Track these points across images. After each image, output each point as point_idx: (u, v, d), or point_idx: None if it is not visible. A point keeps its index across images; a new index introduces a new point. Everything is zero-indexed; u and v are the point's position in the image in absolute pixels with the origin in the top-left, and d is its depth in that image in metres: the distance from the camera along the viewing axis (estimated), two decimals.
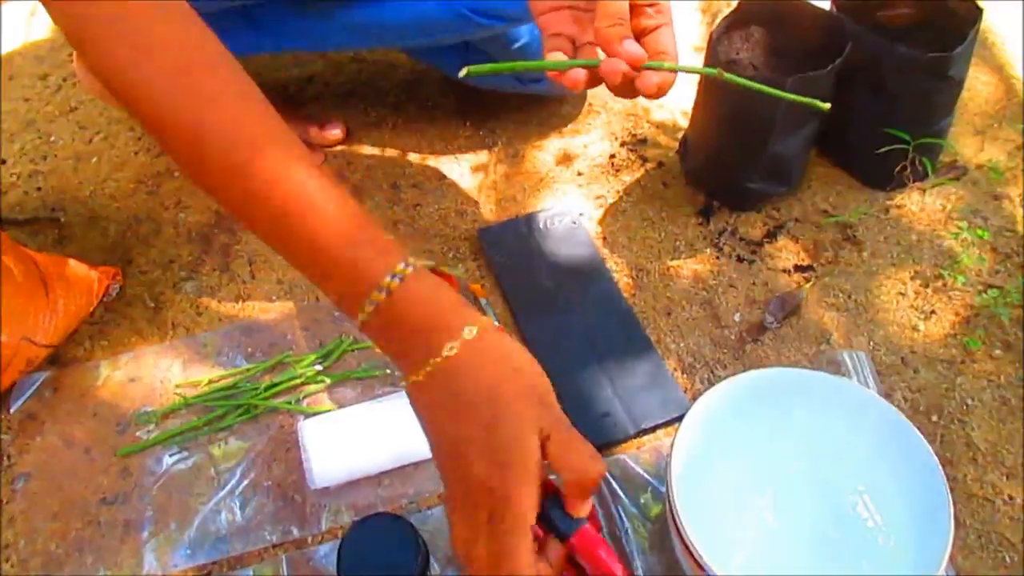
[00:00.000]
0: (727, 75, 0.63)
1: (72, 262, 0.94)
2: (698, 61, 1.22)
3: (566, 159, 1.09)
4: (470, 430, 0.52)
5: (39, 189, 1.09)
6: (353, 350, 0.90)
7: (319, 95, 1.19)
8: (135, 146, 1.13)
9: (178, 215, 1.05)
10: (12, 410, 0.86)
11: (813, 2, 0.97)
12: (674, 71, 0.63)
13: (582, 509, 0.55)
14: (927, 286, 0.95)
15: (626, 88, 0.63)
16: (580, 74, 0.62)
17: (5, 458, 0.83)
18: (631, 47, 0.61)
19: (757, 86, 0.66)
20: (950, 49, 0.92)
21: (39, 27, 1.35)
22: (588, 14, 0.66)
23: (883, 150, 0.97)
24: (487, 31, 0.94)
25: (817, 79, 0.89)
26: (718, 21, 1.25)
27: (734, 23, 0.95)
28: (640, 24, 0.64)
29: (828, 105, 0.62)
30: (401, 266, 0.52)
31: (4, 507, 0.80)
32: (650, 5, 0.65)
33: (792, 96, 0.65)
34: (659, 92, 0.62)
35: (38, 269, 0.90)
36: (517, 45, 0.98)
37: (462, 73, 0.59)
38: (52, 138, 1.16)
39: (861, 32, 0.93)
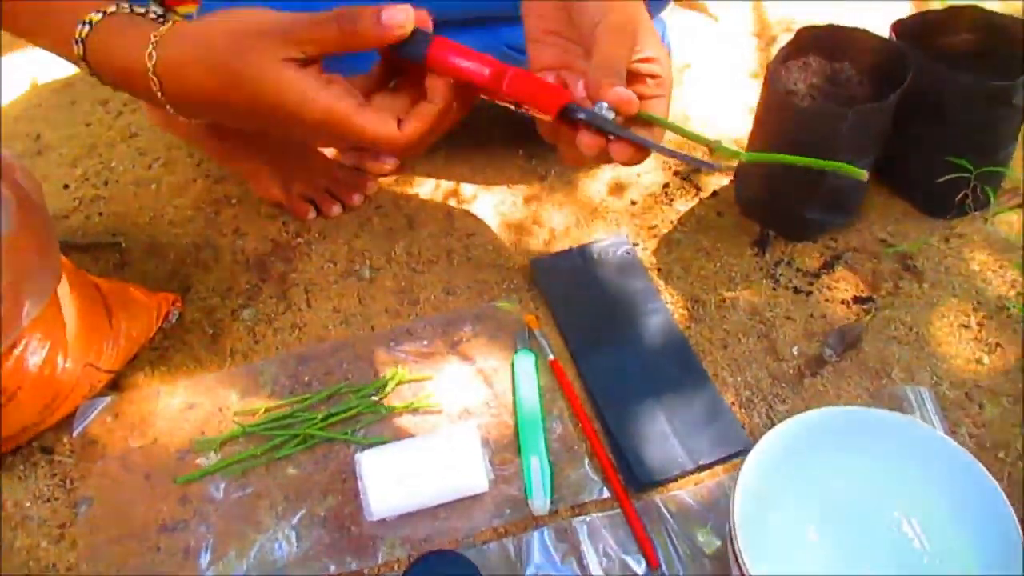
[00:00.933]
0: (722, 147, 0.62)
1: (133, 288, 0.96)
2: (752, 87, 1.21)
3: (619, 189, 1.09)
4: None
5: (100, 214, 1.12)
6: (409, 381, 0.90)
7: None
8: (194, 172, 1.16)
9: (236, 242, 1.06)
10: (75, 434, 0.88)
11: (871, 30, 0.96)
12: (665, 127, 0.62)
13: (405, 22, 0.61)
14: (991, 318, 0.93)
15: (599, 151, 0.62)
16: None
17: (68, 482, 0.85)
18: (622, 91, 0.60)
19: (770, 156, 0.66)
20: (1012, 76, 0.90)
21: None
22: (577, 51, 0.67)
23: (944, 179, 0.95)
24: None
25: (878, 109, 0.88)
26: (775, 50, 1.25)
27: (792, 52, 0.95)
28: (636, 91, 0.63)
29: (865, 174, 0.60)
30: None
31: (67, 530, 0.81)
32: (652, 76, 0.64)
33: (825, 163, 0.62)
34: (631, 160, 0.62)
35: (101, 295, 0.92)
36: None
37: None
38: (113, 163, 1.19)
39: (921, 60, 0.91)
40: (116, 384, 0.92)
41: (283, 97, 0.61)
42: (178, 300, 0.98)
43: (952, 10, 0.98)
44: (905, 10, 1.29)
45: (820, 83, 0.94)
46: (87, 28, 0.66)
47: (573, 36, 0.68)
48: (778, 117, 0.92)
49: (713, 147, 0.62)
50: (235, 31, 0.62)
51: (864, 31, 0.94)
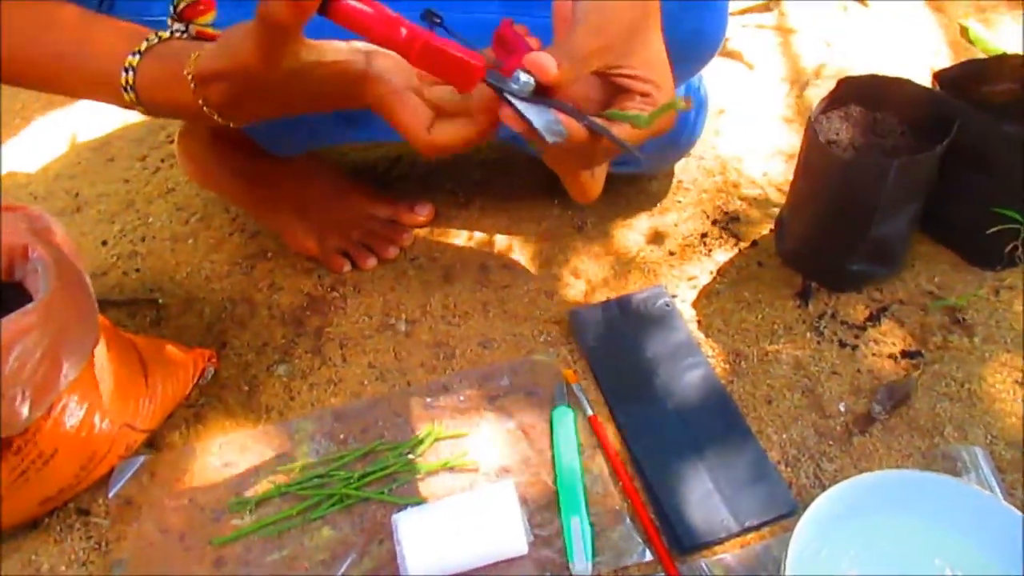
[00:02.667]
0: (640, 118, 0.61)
1: (170, 345, 0.96)
2: (787, 134, 1.20)
3: (657, 238, 1.08)
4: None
5: (138, 270, 1.12)
6: (445, 438, 0.89)
7: (406, 175, 1.20)
8: (230, 227, 1.16)
9: (271, 296, 1.06)
10: (111, 495, 0.87)
11: (913, 79, 0.94)
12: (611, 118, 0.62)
13: None
14: None
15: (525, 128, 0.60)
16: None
17: (103, 544, 0.84)
18: (539, 56, 0.60)
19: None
20: None
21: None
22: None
23: (992, 230, 0.93)
24: None
25: (923, 160, 0.86)
26: (809, 95, 1.24)
27: (832, 102, 0.93)
28: (624, 106, 0.62)
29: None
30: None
31: None
32: (644, 95, 0.63)
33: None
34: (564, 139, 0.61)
35: (138, 353, 0.92)
36: None
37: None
38: (150, 219, 1.20)
39: (964, 109, 0.90)
40: (152, 443, 0.92)
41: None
42: (214, 356, 0.98)
43: (996, 59, 0.96)
44: (935, 56, 1.29)
45: (861, 133, 0.93)
46: (131, 74, 0.69)
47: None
48: (820, 168, 0.90)
49: (634, 123, 0.61)
50: None
51: (907, 81, 0.93)
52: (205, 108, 0.67)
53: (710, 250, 1.05)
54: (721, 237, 1.07)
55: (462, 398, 0.93)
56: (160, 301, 1.07)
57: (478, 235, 1.11)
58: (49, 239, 0.77)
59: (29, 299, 0.72)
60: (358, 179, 1.14)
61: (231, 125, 0.71)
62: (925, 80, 0.96)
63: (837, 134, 0.93)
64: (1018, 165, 0.90)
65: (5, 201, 0.80)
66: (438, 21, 0.68)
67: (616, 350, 0.95)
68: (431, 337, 0.99)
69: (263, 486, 0.87)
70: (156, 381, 0.91)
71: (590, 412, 0.89)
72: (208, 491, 0.88)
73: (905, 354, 0.93)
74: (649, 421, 0.88)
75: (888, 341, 0.94)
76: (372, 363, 0.98)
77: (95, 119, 1.40)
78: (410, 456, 0.88)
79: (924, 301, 0.97)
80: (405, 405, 0.93)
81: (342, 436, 0.91)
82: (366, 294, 1.05)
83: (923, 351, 0.93)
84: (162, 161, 1.30)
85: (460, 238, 1.11)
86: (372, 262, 1.08)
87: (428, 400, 0.93)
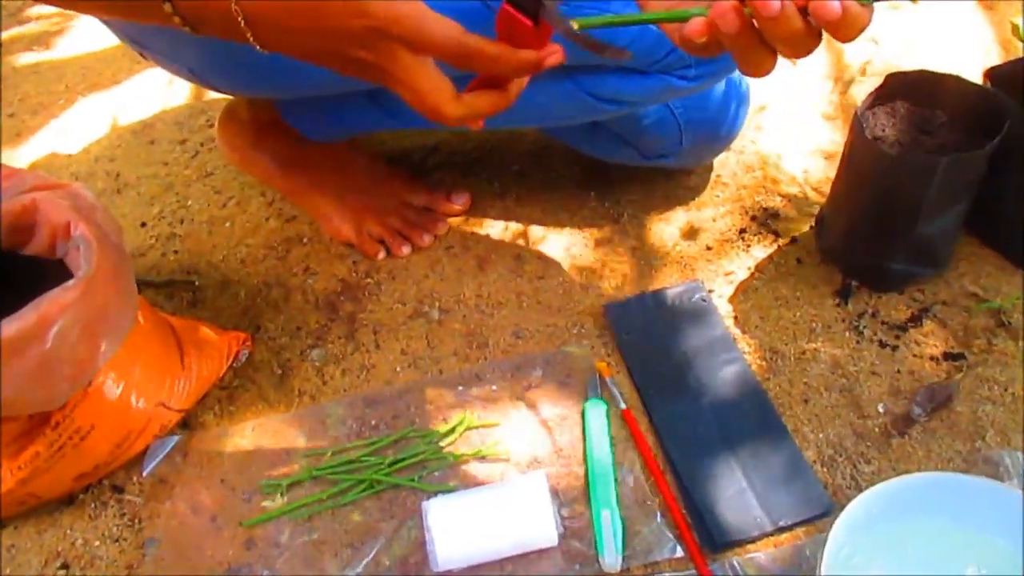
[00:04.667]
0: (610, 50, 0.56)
1: (205, 327, 0.96)
2: (830, 131, 1.18)
3: (694, 233, 1.06)
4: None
5: (176, 252, 1.13)
6: (476, 427, 0.88)
7: (443, 164, 1.20)
8: (266, 212, 1.17)
9: (306, 281, 1.06)
10: (145, 473, 0.88)
11: (962, 76, 0.92)
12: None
13: None
14: None
15: (751, 37, 0.49)
16: (698, 23, 0.51)
17: (137, 521, 0.85)
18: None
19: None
20: None
21: (178, 93, 1.41)
22: None
23: None
24: (611, 114, 0.93)
25: (973, 159, 0.84)
26: (852, 92, 1.22)
27: (879, 98, 0.91)
28: None
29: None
30: None
31: (134, 571, 0.81)
32: None
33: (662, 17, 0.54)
34: (847, 23, 0.46)
35: (175, 334, 0.93)
36: (646, 122, 0.97)
37: (575, 25, 0.56)
38: (189, 202, 1.21)
39: (1016, 108, 0.87)
40: (186, 423, 0.93)
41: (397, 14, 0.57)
42: (248, 340, 0.99)
43: None
44: (985, 55, 1.26)
45: (908, 129, 0.91)
46: None
47: None
48: (865, 163, 0.88)
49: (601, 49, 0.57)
50: None
51: (956, 77, 0.90)
52: (240, 19, 0.59)
53: (748, 246, 1.04)
54: (759, 233, 1.05)
55: (494, 388, 0.92)
56: (197, 283, 1.08)
57: (513, 225, 1.10)
58: (92, 217, 0.78)
59: (70, 276, 0.73)
60: (395, 166, 1.14)
61: (259, 48, 0.62)
62: (975, 78, 0.93)
63: (883, 130, 0.91)
64: None
65: (48, 180, 0.80)
66: None
67: (650, 344, 0.94)
68: (464, 326, 0.99)
69: (294, 469, 0.87)
70: (191, 362, 0.92)
71: (623, 405, 0.88)
72: (240, 473, 0.88)
73: (947, 356, 0.91)
74: (683, 416, 0.87)
75: (930, 342, 0.92)
76: (405, 350, 0.97)
77: (137, 102, 1.41)
78: (441, 444, 0.87)
79: (968, 303, 0.95)
80: (437, 393, 0.92)
81: (373, 422, 0.91)
82: (400, 281, 1.05)
83: (966, 353, 0.91)
84: (201, 145, 1.31)
85: (495, 228, 1.10)
86: (407, 249, 1.07)
87: (460, 389, 0.92)
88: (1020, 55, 1.25)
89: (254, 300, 1.05)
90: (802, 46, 0.49)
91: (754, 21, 0.49)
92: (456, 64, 0.59)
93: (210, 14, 0.59)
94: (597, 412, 0.87)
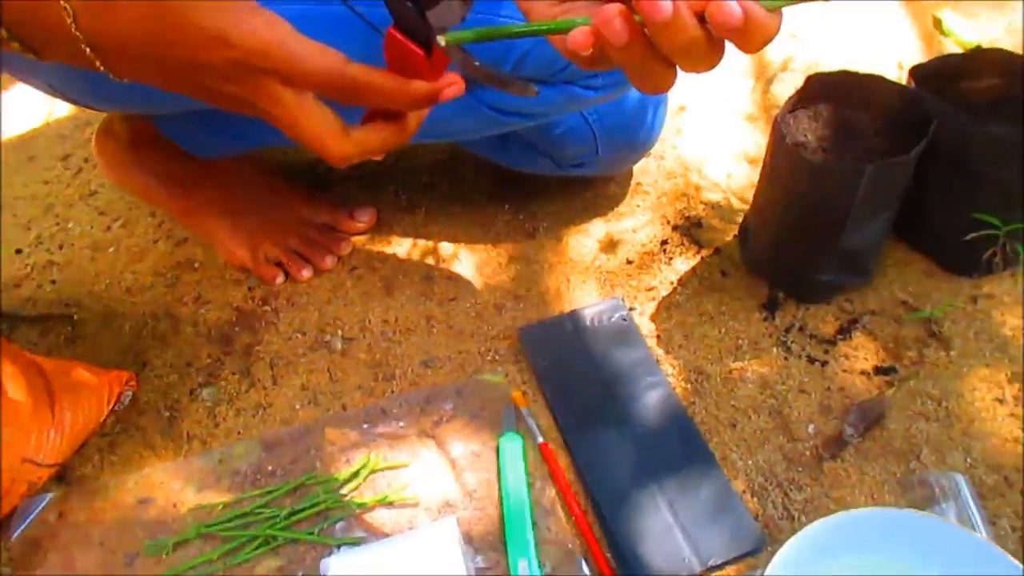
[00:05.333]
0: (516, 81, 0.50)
1: (82, 368, 0.87)
2: (752, 132, 1.13)
3: (614, 245, 1.00)
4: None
5: (53, 282, 1.03)
6: (383, 469, 0.81)
7: (346, 177, 1.11)
8: (155, 233, 1.07)
9: (197, 311, 0.98)
10: (13, 537, 0.79)
11: (886, 76, 0.88)
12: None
13: None
14: None
15: (642, 48, 0.42)
16: (582, 33, 0.44)
17: None
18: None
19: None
20: None
21: (62, 103, 1.30)
22: None
23: (971, 236, 0.87)
24: (517, 126, 0.87)
25: (898, 164, 0.79)
26: (775, 90, 1.18)
27: (800, 101, 0.87)
28: None
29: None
30: None
31: None
32: None
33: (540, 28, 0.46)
34: (750, 32, 0.40)
35: (45, 380, 0.83)
36: (559, 131, 0.91)
37: (441, 40, 0.49)
38: (70, 224, 1.11)
39: (943, 108, 0.83)
40: (61, 477, 0.84)
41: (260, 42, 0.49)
42: (132, 379, 0.90)
43: (975, 54, 0.90)
44: (907, 48, 1.23)
45: (831, 134, 0.86)
46: None
47: None
48: (787, 171, 0.83)
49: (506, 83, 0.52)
50: None
51: (879, 77, 0.86)
52: (83, 46, 0.51)
53: (670, 258, 0.98)
54: (682, 244, 1.00)
55: (402, 424, 0.85)
56: (75, 317, 0.98)
57: (423, 242, 1.03)
58: None
59: None
60: (293, 182, 1.06)
61: (113, 78, 0.54)
62: (897, 74, 0.89)
63: (806, 135, 0.86)
64: (999, 168, 0.84)
65: None
66: None
67: (569, 369, 0.87)
68: (369, 356, 0.91)
69: (182, 525, 0.79)
70: (64, 409, 0.83)
71: (540, 439, 0.82)
72: (121, 532, 0.79)
73: (878, 370, 0.86)
74: (604, 448, 0.81)
75: (860, 356, 0.88)
76: (305, 385, 0.90)
77: (16, 114, 1.29)
78: (343, 491, 0.80)
79: (898, 312, 0.91)
80: (340, 432, 0.85)
81: (270, 468, 0.83)
82: (300, 308, 0.97)
83: (897, 366, 0.87)
84: (85, 161, 1.20)
85: (403, 246, 1.03)
86: (307, 272, 0.99)
87: (365, 426, 0.85)
88: (942, 48, 1.23)
89: (140, 334, 0.96)
90: (702, 58, 0.42)
91: (645, 30, 0.42)
92: (339, 99, 0.51)
93: (51, 39, 0.50)
94: (513, 447, 0.81)
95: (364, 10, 0.56)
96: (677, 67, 0.44)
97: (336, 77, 0.50)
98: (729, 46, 0.42)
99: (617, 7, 0.41)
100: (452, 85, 0.52)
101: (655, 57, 0.43)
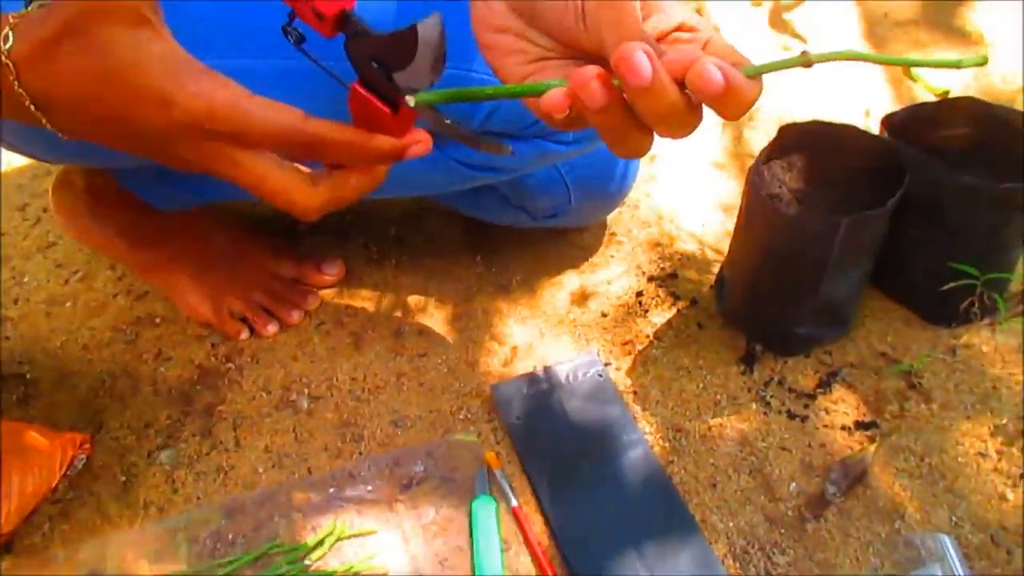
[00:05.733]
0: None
1: (33, 432, 0.83)
2: (725, 180, 1.12)
3: (588, 298, 0.98)
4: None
5: (7, 338, 0.99)
6: (350, 537, 0.78)
7: (313, 229, 1.08)
8: (114, 288, 1.03)
9: (157, 369, 0.94)
10: None
11: (859, 126, 0.87)
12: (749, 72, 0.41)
13: None
14: (1011, 444, 0.82)
15: (620, 112, 0.41)
16: (557, 96, 0.43)
17: None
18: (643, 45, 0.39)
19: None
20: (1012, 172, 0.82)
21: None
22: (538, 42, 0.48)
23: (948, 286, 0.86)
24: (488, 181, 0.85)
25: (874, 217, 0.78)
26: (746, 138, 1.17)
27: (774, 151, 0.86)
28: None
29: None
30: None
31: None
32: (688, 29, 0.45)
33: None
34: (731, 97, 0.39)
35: None
36: (530, 183, 0.89)
37: (410, 101, 0.46)
38: (26, 278, 1.07)
39: (916, 158, 0.83)
40: (8, 547, 0.79)
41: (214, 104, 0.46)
42: (87, 441, 0.86)
43: (947, 103, 0.89)
44: (875, 96, 1.23)
45: (806, 184, 0.85)
46: None
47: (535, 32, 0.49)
48: (763, 223, 0.82)
49: (484, 142, 0.49)
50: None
51: (852, 127, 0.85)
52: (28, 103, 0.48)
53: (646, 311, 0.96)
54: (658, 296, 0.98)
55: (370, 488, 0.81)
56: (28, 376, 0.94)
57: (392, 296, 1.00)
58: None
59: None
60: (258, 234, 1.03)
61: (63, 136, 0.51)
62: (864, 122, 0.89)
63: (780, 186, 0.85)
64: (975, 217, 0.83)
65: None
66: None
67: (543, 428, 0.85)
68: (337, 416, 0.88)
69: None
70: (12, 475, 0.79)
71: (514, 502, 0.79)
72: None
73: (859, 425, 0.84)
74: (581, 512, 0.78)
75: (840, 410, 0.86)
76: (269, 447, 0.86)
77: None
78: (308, 561, 0.76)
79: (877, 364, 0.90)
80: (305, 497, 0.81)
81: (231, 536, 0.79)
82: (265, 365, 0.93)
83: (878, 421, 0.85)
84: (44, 211, 1.16)
85: (372, 300, 1.00)
86: (273, 328, 0.96)
87: (331, 491, 0.81)
88: (912, 93, 1.23)
89: (96, 393, 0.92)
90: (681, 124, 0.41)
91: (623, 94, 0.41)
92: (300, 156, 0.49)
93: None
94: (486, 512, 0.78)
95: (331, 64, 0.54)
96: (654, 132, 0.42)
97: (294, 134, 0.48)
98: (706, 110, 0.41)
99: (595, 69, 0.40)
100: (418, 143, 0.50)
101: (632, 122, 0.41)
